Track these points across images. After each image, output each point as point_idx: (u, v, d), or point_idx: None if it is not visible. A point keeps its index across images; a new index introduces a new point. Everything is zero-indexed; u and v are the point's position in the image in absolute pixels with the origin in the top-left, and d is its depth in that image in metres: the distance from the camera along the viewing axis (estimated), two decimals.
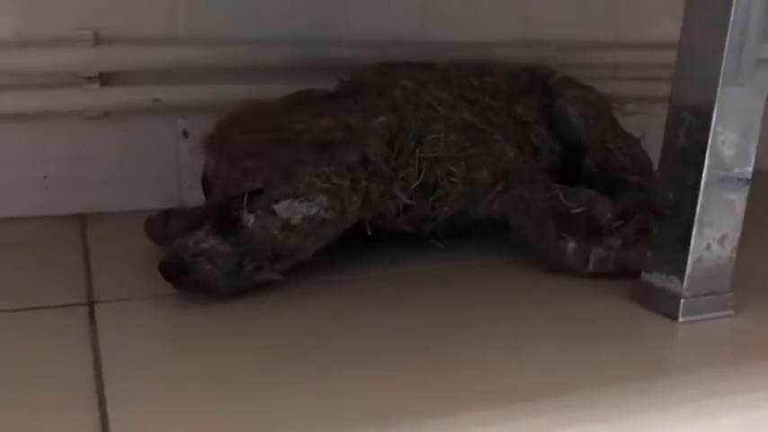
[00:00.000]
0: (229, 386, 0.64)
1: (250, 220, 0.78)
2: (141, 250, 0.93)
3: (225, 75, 1.10)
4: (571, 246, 0.88)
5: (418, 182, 0.89)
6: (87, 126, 1.06)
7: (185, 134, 1.12)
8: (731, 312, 0.80)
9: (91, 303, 0.78)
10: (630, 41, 1.34)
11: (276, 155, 0.79)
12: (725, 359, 0.73)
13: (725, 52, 0.70)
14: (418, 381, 0.66)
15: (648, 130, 1.10)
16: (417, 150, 0.89)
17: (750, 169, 0.76)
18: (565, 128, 1.07)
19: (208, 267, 0.76)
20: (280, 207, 0.78)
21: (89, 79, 1.04)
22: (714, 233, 0.76)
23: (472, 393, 0.64)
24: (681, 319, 0.77)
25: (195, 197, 1.11)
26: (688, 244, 0.76)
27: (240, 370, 0.66)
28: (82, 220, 1.06)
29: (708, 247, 0.77)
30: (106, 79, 1.05)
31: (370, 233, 0.87)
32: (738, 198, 0.76)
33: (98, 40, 1.03)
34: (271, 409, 0.60)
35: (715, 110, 0.72)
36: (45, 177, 1.07)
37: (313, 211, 0.80)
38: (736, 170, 0.75)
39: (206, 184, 0.83)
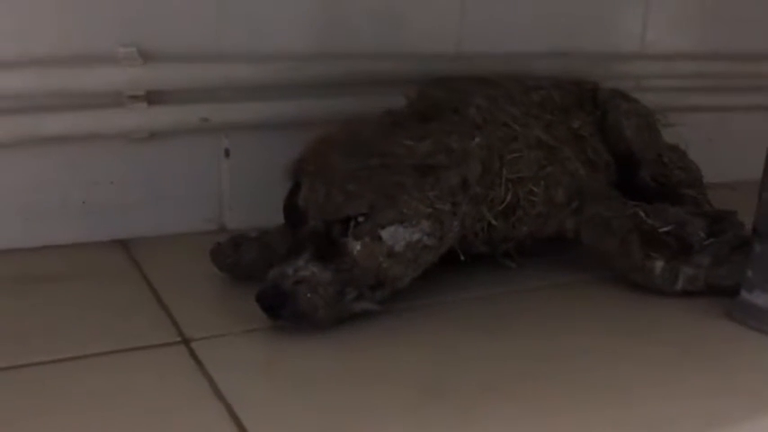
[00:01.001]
0: (369, 422, 0.61)
1: (356, 246, 0.74)
2: (205, 278, 0.89)
3: (269, 92, 1.06)
4: (659, 264, 0.87)
5: (506, 203, 0.86)
6: (129, 147, 1.00)
7: (227, 153, 1.07)
8: None
9: (187, 342, 0.73)
10: (654, 53, 1.35)
11: (379, 179, 0.76)
12: None
13: None
14: (565, 411, 0.63)
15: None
16: (503, 171, 0.86)
17: None
18: (619, 141, 1.06)
19: (309, 296, 0.72)
20: (386, 233, 0.75)
21: (135, 98, 0.98)
22: None
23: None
24: None
25: (236, 219, 1.08)
26: None
27: (376, 407, 0.63)
28: (123, 246, 1.00)
29: None
30: (153, 98, 0.99)
31: (462, 258, 0.84)
32: None
33: (145, 58, 0.96)
34: None
35: None
36: (83, 203, 1.00)
37: (416, 237, 0.77)
38: None
39: (294, 209, 0.79)
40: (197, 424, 0.60)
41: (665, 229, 0.88)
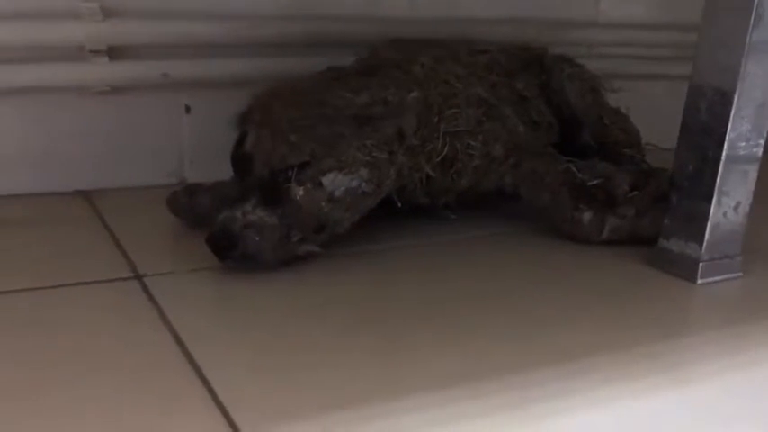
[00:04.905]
0: (305, 350, 0.67)
1: (299, 192, 0.79)
2: (163, 225, 0.94)
3: (228, 50, 1.10)
4: (587, 216, 0.94)
5: (442, 155, 0.92)
6: (91, 101, 1.04)
7: (188, 109, 1.11)
8: (740, 274, 0.87)
9: (140, 277, 0.78)
10: (606, 21, 1.41)
11: (319, 129, 0.81)
12: (741, 316, 0.80)
13: (748, 35, 0.76)
14: (479, 346, 0.70)
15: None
16: (441, 125, 0.92)
17: (762, 142, 0.82)
18: (563, 104, 1.11)
19: (257, 239, 0.78)
20: (326, 179, 0.80)
21: (96, 53, 1.02)
22: (730, 201, 0.83)
23: (525, 353, 0.68)
24: (699, 281, 0.84)
25: (196, 173, 1.12)
26: (707, 212, 0.82)
27: (311, 335, 0.69)
28: (86, 196, 1.05)
29: (725, 214, 0.83)
30: (114, 54, 1.03)
31: (399, 205, 0.89)
32: (752, 169, 0.83)
33: (106, 14, 1.00)
34: (349, 368, 0.63)
35: (737, 89, 0.78)
36: (46, 154, 1.04)
37: (354, 183, 0.82)
38: (752, 143, 0.81)
39: (242, 158, 0.84)
40: (145, 346, 0.66)
41: (593, 182, 0.94)
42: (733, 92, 0.79)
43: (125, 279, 0.78)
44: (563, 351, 0.69)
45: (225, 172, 0.91)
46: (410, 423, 0.57)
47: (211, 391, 0.58)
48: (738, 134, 0.81)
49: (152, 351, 0.65)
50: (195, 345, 0.65)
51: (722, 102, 0.79)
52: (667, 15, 1.48)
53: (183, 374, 0.61)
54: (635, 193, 0.93)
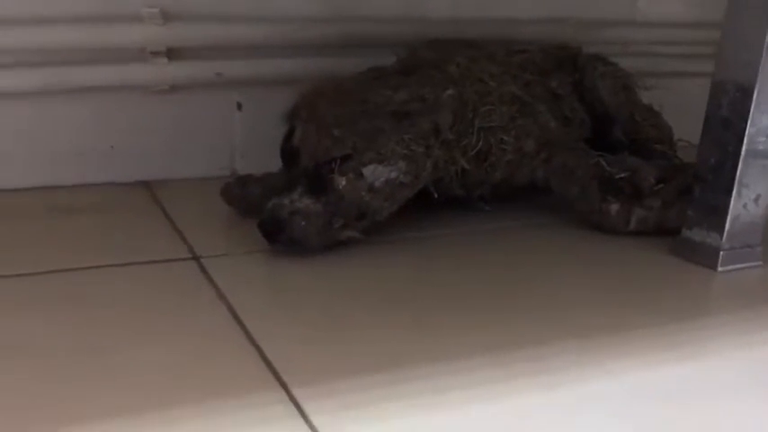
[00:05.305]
0: (347, 324, 0.74)
1: (341, 182, 0.86)
2: (217, 213, 1.01)
3: (277, 51, 1.17)
4: (614, 207, 0.98)
5: (476, 149, 0.98)
6: (151, 99, 1.13)
7: (239, 106, 1.19)
8: (761, 263, 0.91)
9: (197, 258, 0.86)
10: (644, 20, 1.44)
11: (361, 124, 0.88)
12: (758, 302, 0.85)
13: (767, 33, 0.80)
14: (505, 323, 0.76)
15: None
16: (476, 121, 0.98)
17: None
18: (596, 101, 1.16)
19: (303, 224, 0.85)
20: (367, 171, 0.87)
21: (156, 54, 1.10)
22: (750, 194, 0.87)
23: (548, 329, 0.74)
24: (720, 269, 0.88)
25: (247, 166, 1.20)
26: (728, 203, 0.86)
27: (352, 312, 0.76)
28: (146, 186, 1.13)
29: (744, 206, 0.87)
30: (173, 55, 1.12)
31: (436, 196, 0.95)
32: None
33: (166, 18, 1.09)
34: (388, 341, 0.70)
35: (757, 85, 0.82)
36: (112, 147, 1.13)
37: (393, 174, 0.89)
38: None
39: (290, 151, 0.91)
40: (203, 316, 0.73)
41: (621, 175, 0.99)
42: (753, 88, 0.83)
43: (184, 260, 0.86)
44: (583, 329, 0.74)
45: (273, 165, 0.98)
46: (439, 384, 0.63)
47: (264, 358, 0.66)
48: (758, 129, 0.85)
49: (209, 321, 0.72)
50: (248, 317, 0.72)
51: (742, 98, 0.84)
52: (704, 13, 1.50)
53: (237, 342, 0.68)
54: (661, 185, 0.98)
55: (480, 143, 0.98)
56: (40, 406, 0.58)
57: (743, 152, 0.85)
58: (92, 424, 0.56)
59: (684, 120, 1.22)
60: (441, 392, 0.62)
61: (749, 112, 0.83)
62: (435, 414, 0.60)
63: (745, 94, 0.84)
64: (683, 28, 1.49)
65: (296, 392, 0.61)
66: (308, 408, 0.59)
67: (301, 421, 0.58)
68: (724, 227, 0.87)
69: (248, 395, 0.61)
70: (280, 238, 0.85)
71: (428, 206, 0.98)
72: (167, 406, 0.58)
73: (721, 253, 0.88)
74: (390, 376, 0.64)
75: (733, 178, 0.86)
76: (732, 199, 0.86)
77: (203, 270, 0.83)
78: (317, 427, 0.57)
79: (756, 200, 0.88)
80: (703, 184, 0.90)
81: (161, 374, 0.63)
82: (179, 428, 0.56)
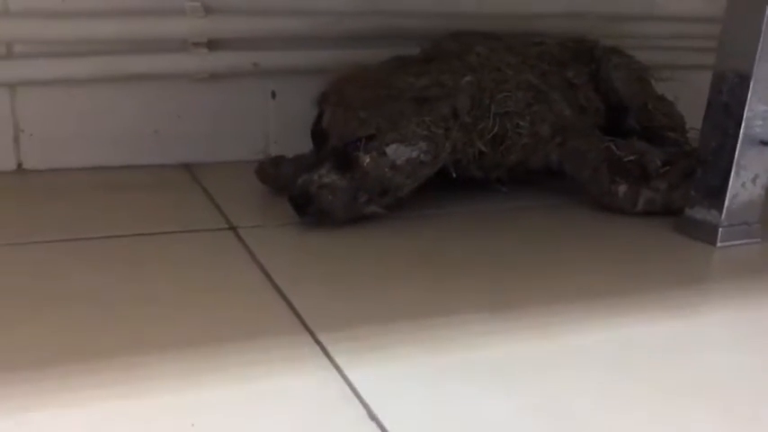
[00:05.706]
0: (370, 285, 0.82)
1: (366, 160, 0.94)
2: (252, 190, 1.10)
3: (311, 42, 1.26)
4: (623, 188, 1.05)
5: (493, 133, 1.05)
6: (192, 87, 1.22)
7: (273, 95, 1.28)
8: (759, 240, 0.97)
9: (234, 228, 0.95)
10: (662, 14, 1.50)
11: (385, 108, 0.95)
12: (752, 274, 0.91)
13: (763, 26, 0.86)
14: (516, 287, 0.83)
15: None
16: (492, 106, 1.05)
17: None
18: (610, 91, 1.23)
19: (330, 198, 0.93)
20: (390, 150, 0.95)
21: (197, 45, 1.19)
22: (748, 174, 0.93)
23: (554, 293, 0.81)
24: (719, 245, 0.94)
25: (280, 151, 1.28)
26: (727, 182, 0.92)
27: (375, 276, 0.84)
28: (187, 168, 1.22)
29: (743, 185, 0.93)
30: (213, 45, 1.20)
31: (454, 176, 1.03)
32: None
33: (207, 11, 1.17)
34: (406, 298, 0.78)
35: (754, 72, 0.88)
36: (156, 132, 1.22)
37: (414, 154, 0.96)
38: None
39: (320, 132, 0.99)
40: (240, 279, 0.82)
41: (629, 158, 1.05)
42: (750, 76, 0.89)
43: (222, 230, 0.94)
44: (585, 291, 0.81)
45: (304, 150, 1.07)
46: (453, 332, 0.71)
47: (293, 309, 0.74)
48: (755, 114, 0.91)
49: (245, 279, 0.81)
50: (279, 277, 0.81)
51: (741, 85, 0.90)
52: (720, 8, 1.54)
53: (269, 297, 0.77)
54: (666, 168, 1.04)
55: (496, 127, 1.05)
56: (103, 339, 0.67)
57: (741, 135, 0.91)
58: (148, 355, 0.65)
59: (699, 110, 1.28)
60: (453, 339, 0.70)
61: (747, 98, 0.89)
62: (441, 357, 0.67)
63: (743, 81, 0.90)
64: (699, 23, 1.54)
65: (321, 337, 0.69)
66: (331, 349, 0.67)
67: (326, 360, 0.65)
68: (723, 205, 0.93)
69: (278, 338, 0.69)
70: (309, 210, 0.94)
71: (447, 186, 1.05)
72: (208, 343, 0.67)
73: (720, 230, 0.94)
74: (409, 324, 0.72)
75: (732, 160, 0.92)
76: (731, 178, 0.92)
77: (239, 238, 0.92)
78: (340, 364, 0.65)
79: (754, 180, 0.94)
80: (705, 165, 0.96)
81: (204, 319, 0.71)
82: (218, 361, 0.64)
